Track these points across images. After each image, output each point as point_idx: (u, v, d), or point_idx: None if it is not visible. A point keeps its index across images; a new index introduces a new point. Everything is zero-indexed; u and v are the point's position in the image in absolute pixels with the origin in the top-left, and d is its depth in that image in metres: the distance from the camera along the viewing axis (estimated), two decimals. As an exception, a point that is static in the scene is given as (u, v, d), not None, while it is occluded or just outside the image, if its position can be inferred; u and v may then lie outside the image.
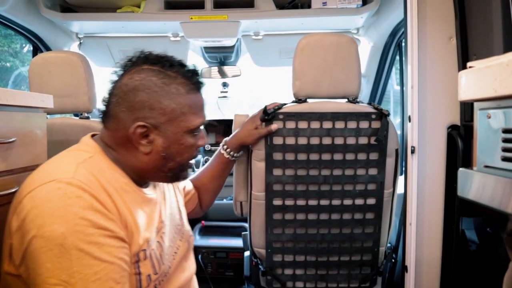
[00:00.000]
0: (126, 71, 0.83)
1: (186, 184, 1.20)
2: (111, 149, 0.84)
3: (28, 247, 0.67)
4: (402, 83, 1.84)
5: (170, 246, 0.91)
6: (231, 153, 1.21)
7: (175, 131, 0.82)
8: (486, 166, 0.53)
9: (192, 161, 0.92)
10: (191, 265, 1.00)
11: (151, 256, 0.81)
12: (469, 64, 0.54)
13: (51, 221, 0.67)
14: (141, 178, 0.87)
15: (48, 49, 1.96)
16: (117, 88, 0.82)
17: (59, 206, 0.68)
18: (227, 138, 1.24)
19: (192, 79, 0.85)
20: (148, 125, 0.80)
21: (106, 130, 0.85)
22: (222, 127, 2.32)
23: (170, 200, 0.99)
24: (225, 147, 1.22)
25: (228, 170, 1.26)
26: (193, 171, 0.97)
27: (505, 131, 0.49)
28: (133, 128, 0.79)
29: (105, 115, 0.85)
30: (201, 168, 1.29)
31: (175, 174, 0.89)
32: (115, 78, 0.84)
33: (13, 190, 0.88)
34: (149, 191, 0.89)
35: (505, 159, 0.50)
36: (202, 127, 0.91)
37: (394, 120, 1.26)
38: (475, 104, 0.57)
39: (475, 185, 0.54)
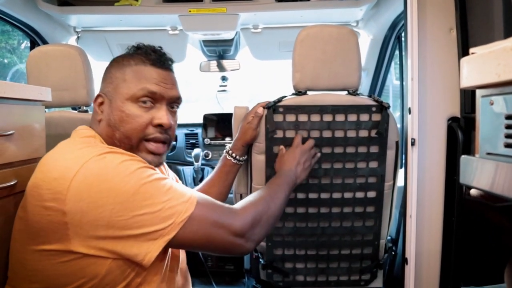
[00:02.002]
0: None
1: None
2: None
3: (118, 206, 0.71)
4: (401, 77, 1.84)
5: None
6: (233, 154, 1.21)
7: (116, 97, 0.86)
8: (489, 153, 0.53)
9: (155, 135, 0.86)
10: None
11: None
12: (471, 50, 0.54)
13: (120, 178, 0.73)
14: None
15: (45, 43, 1.94)
16: None
17: (117, 166, 0.74)
18: (230, 145, 1.25)
19: (150, 55, 0.88)
20: (102, 94, 0.88)
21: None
22: (222, 121, 2.31)
23: None
24: (230, 152, 1.22)
25: (231, 174, 1.24)
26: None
27: (508, 117, 0.49)
28: (94, 98, 0.89)
29: None
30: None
31: (128, 147, 0.85)
32: None
33: (12, 183, 0.88)
34: None
35: (508, 145, 0.49)
36: (164, 106, 0.86)
37: (394, 114, 1.26)
38: (477, 91, 0.56)
39: (478, 172, 0.53)
